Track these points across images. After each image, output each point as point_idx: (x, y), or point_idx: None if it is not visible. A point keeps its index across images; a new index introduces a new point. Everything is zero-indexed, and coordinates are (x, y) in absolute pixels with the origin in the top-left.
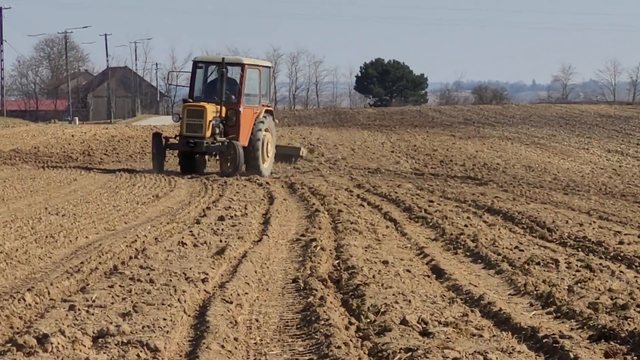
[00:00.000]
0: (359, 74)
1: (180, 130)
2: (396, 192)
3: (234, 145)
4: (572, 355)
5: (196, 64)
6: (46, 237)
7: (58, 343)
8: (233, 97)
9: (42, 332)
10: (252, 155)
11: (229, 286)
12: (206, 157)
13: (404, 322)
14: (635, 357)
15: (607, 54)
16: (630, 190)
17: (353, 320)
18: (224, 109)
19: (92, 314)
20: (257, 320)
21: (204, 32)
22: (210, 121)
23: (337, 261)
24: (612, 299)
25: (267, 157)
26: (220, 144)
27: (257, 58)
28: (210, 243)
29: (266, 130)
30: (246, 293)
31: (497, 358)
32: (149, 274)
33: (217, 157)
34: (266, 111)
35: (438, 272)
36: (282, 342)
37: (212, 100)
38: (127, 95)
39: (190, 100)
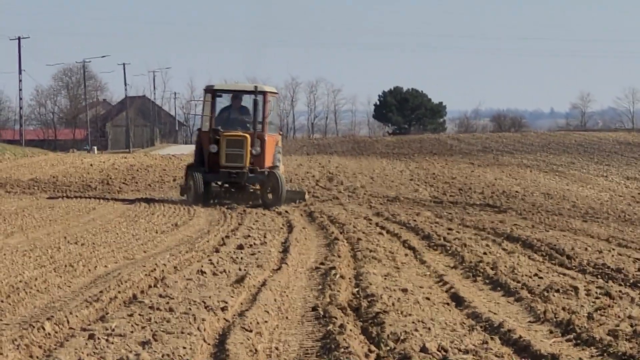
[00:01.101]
0: (378, 102)
1: (212, 161)
2: (415, 220)
3: (275, 175)
4: None
5: (215, 92)
6: (65, 266)
7: None
8: (259, 125)
9: None
10: (275, 186)
11: (248, 314)
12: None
13: (423, 349)
14: None
15: (626, 82)
16: None
17: (373, 348)
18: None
19: (112, 343)
20: (277, 348)
21: (222, 62)
22: (250, 151)
23: (357, 289)
24: (632, 325)
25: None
26: (260, 174)
27: (265, 84)
28: (229, 271)
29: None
30: (266, 321)
31: None
32: (168, 303)
33: (251, 188)
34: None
35: (457, 300)
36: None
37: (232, 129)
38: (145, 125)
39: (220, 130)
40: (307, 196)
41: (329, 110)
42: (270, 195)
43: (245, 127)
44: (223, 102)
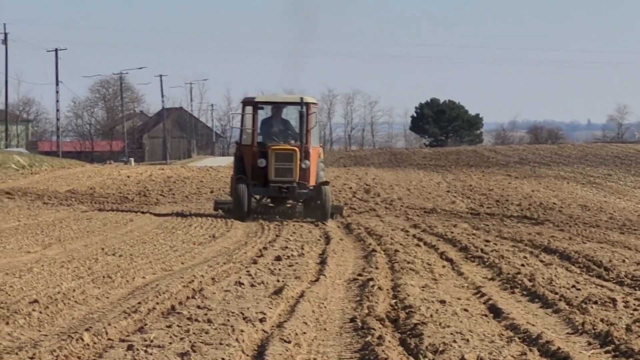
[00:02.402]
0: (415, 114)
1: (258, 175)
2: (452, 232)
3: (323, 190)
4: None
5: (256, 105)
6: (103, 277)
7: None
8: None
9: None
10: (322, 201)
11: (287, 326)
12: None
13: None
14: None
15: None
16: None
17: (411, 359)
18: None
19: (151, 354)
20: (315, 359)
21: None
22: (299, 164)
23: (395, 300)
24: None
25: None
26: (309, 188)
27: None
28: (267, 283)
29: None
30: (304, 332)
31: None
32: (206, 314)
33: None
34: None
35: (495, 312)
36: None
37: (276, 142)
38: (182, 136)
39: (267, 143)
40: (344, 211)
41: (366, 122)
42: (316, 211)
43: (291, 140)
44: (262, 113)
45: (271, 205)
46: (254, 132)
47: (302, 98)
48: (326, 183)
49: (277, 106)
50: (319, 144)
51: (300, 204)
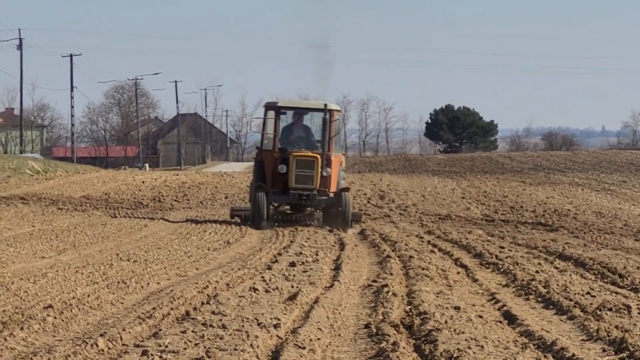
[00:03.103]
0: (429, 121)
1: (278, 181)
2: (467, 238)
3: (344, 197)
4: None
5: (279, 110)
6: (118, 282)
7: None
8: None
9: None
10: (342, 209)
11: (301, 331)
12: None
13: None
14: None
15: None
16: None
17: None
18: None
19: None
20: None
21: (274, 79)
22: (321, 172)
23: (409, 307)
24: None
25: None
26: (328, 196)
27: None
28: (282, 289)
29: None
30: (319, 338)
31: None
32: (221, 320)
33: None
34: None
35: (510, 318)
36: None
37: (297, 148)
38: (197, 142)
39: (289, 150)
40: (362, 217)
41: (381, 129)
42: (336, 218)
43: (312, 147)
44: (283, 119)
45: (290, 212)
46: (276, 138)
47: (325, 105)
48: (347, 190)
49: (299, 112)
50: (341, 152)
51: (319, 211)
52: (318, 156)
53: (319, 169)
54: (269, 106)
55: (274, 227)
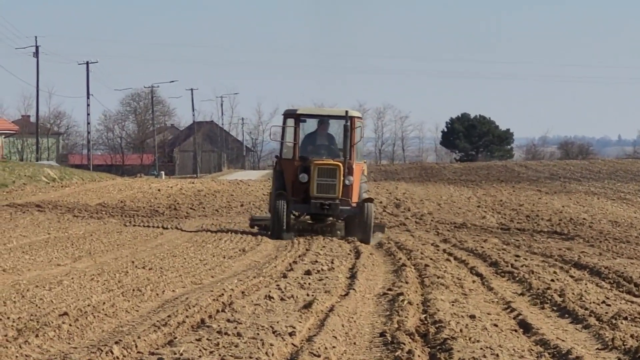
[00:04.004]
0: (445, 129)
1: (299, 191)
2: (482, 247)
3: (366, 208)
4: None
5: (299, 117)
6: (133, 290)
7: None
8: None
9: None
10: (364, 220)
11: (316, 340)
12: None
13: None
14: None
15: None
16: None
17: None
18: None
19: None
20: None
21: (290, 87)
22: (343, 181)
23: (424, 315)
24: None
25: None
26: (350, 206)
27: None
28: (297, 297)
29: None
30: (334, 347)
31: None
32: (236, 328)
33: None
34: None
35: (525, 327)
36: None
37: (319, 157)
38: (213, 150)
39: (310, 158)
40: (386, 229)
41: (397, 137)
42: (358, 230)
43: (334, 155)
44: (304, 127)
45: (311, 222)
46: (296, 146)
47: (347, 111)
48: (370, 200)
49: (322, 120)
50: (363, 160)
51: (341, 222)
52: (340, 164)
53: (341, 178)
54: (288, 114)
55: (294, 237)
